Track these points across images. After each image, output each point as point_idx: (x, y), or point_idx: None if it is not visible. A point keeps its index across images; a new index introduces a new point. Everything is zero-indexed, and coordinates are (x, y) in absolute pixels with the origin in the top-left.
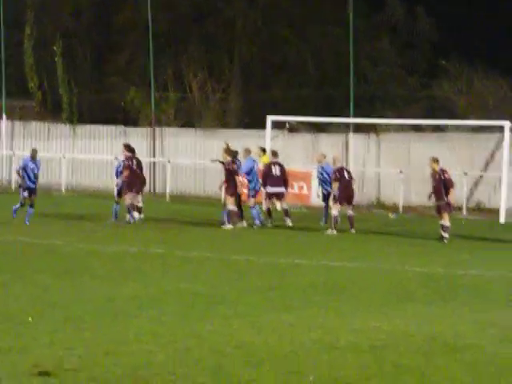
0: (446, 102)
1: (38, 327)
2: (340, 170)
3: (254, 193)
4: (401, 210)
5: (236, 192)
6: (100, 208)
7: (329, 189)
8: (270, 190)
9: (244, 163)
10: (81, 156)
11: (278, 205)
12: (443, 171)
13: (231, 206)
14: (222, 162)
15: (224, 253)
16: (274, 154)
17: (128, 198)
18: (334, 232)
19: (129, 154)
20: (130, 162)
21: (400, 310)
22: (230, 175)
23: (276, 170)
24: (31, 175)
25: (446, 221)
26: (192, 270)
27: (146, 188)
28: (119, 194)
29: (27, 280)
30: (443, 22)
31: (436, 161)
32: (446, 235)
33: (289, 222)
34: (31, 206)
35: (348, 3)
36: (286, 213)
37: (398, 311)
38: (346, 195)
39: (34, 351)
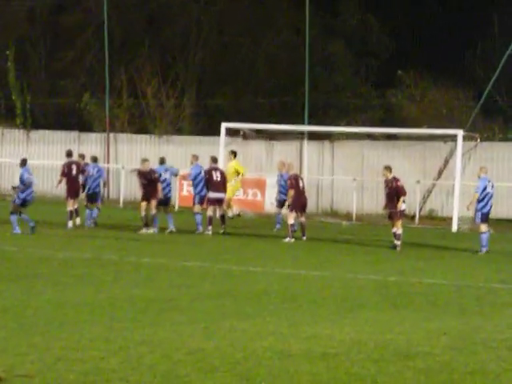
0: (400, 110)
1: None
2: (295, 178)
3: (200, 199)
4: (354, 217)
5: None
6: (52, 214)
7: (284, 196)
8: (212, 195)
9: (191, 169)
10: (35, 162)
11: (234, 208)
12: (396, 179)
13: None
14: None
15: (177, 259)
16: (215, 160)
17: (70, 205)
18: (292, 240)
19: (66, 160)
20: (66, 169)
21: (352, 318)
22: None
23: (217, 176)
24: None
25: (398, 228)
26: (145, 276)
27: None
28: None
29: None
30: (398, 31)
31: (389, 169)
32: (398, 243)
33: (222, 229)
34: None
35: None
36: (223, 219)
37: (350, 319)
38: (300, 203)
39: None
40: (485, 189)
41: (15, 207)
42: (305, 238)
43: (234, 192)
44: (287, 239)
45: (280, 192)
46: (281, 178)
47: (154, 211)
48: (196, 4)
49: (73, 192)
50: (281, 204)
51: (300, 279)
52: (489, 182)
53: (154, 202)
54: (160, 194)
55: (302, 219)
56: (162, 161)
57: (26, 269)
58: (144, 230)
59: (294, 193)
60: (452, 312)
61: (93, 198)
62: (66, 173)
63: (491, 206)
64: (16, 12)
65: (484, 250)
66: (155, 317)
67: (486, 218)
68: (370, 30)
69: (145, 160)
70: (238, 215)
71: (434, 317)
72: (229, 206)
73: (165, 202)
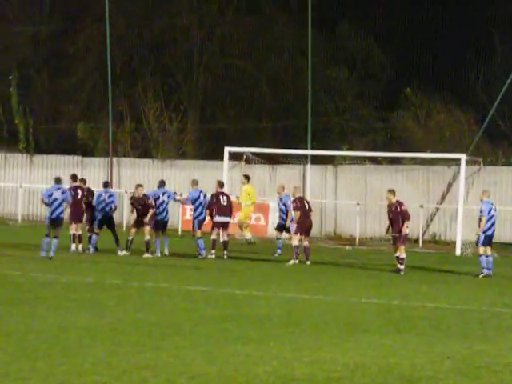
0: (403, 133)
1: None
2: (300, 200)
3: (198, 223)
4: (357, 242)
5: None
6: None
7: (284, 218)
8: (218, 219)
9: (190, 193)
10: (37, 186)
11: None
12: (400, 203)
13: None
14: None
15: (180, 283)
16: (221, 184)
17: (73, 229)
18: (296, 261)
19: (72, 185)
20: (73, 193)
21: (356, 342)
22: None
23: (224, 200)
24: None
25: (401, 253)
26: (148, 300)
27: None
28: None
29: None
30: (400, 54)
31: (393, 193)
32: (401, 267)
33: (225, 254)
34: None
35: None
36: (226, 245)
37: (353, 343)
38: (305, 226)
39: None
40: (489, 211)
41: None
42: (309, 262)
43: (247, 216)
44: (291, 261)
45: (280, 214)
46: (280, 202)
47: (147, 237)
48: (199, 28)
49: (76, 216)
50: (280, 228)
51: (303, 303)
52: (492, 205)
53: (147, 228)
54: (147, 220)
55: (306, 243)
56: (162, 183)
57: (29, 293)
58: (146, 255)
59: (300, 215)
60: (455, 336)
61: (104, 223)
62: (73, 197)
63: (494, 230)
64: (19, 37)
65: (485, 271)
66: (158, 341)
67: (489, 241)
68: (371, 52)
69: (139, 186)
70: (252, 242)
71: (437, 341)
72: (246, 227)
73: (163, 226)
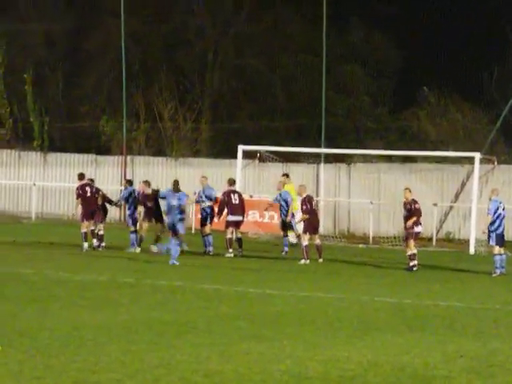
0: (417, 132)
1: (7, 355)
2: (309, 199)
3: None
4: (371, 240)
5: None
6: (69, 236)
7: (285, 214)
8: (231, 218)
9: (207, 190)
10: (51, 184)
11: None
12: (414, 201)
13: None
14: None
15: (194, 281)
16: (232, 182)
17: (85, 226)
18: (308, 261)
19: (80, 183)
20: (81, 191)
21: (369, 341)
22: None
23: (235, 199)
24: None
25: (411, 249)
26: (161, 298)
27: (116, 216)
28: (135, 222)
29: None
30: (414, 53)
31: (409, 190)
32: (414, 263)
33: (239, 252)
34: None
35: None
36: (240, 243)
37: (366, 341)
38: (312, 225)
39: (4, 380)
40: (496, 210)
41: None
42: (321, 260)
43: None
44: (302, 261)
45: (282, 213)
46: (280, 198)
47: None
48: (213, 27)
49: (88, 214)
50: (283, 226)
51: (316, 302)
52: (500, 203)
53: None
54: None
55: (317, 241)
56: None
57: (42, 291)
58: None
59: (307, 215)
60: (469, 335)
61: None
62: (82, 195)
63: (504, 228)
64: (34, 35)
65: (498, 271)
66: (172, 339)
67: (501, 240)
68: (385, 51)
69: (146, 182)
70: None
71: (450, 339)
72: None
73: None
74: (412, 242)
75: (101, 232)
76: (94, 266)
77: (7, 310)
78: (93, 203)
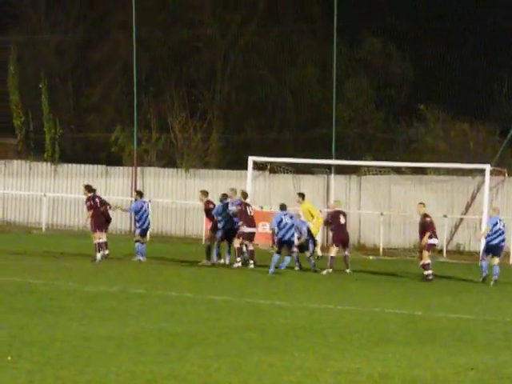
0: (427, 144)
1: (17, 366)
2: (337, 214)
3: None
4: (381, 252)
5: None
6: (79, 247)
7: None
8: (247, 229)
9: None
10: (62, 195)
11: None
12: (425, 216)
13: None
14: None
15: (204, 293)
16: (245, 195)
17: (97, 237)
18: (330, 270)
19: (90, 194)
20: (92, 202)
21: (379, 353)
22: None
23: (250, 211)
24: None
25: (425, 259)
26: (171, 310)
27: (126, 227)
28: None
29: (3, 319)
30: (422, 65)
31: (423, 205)
32: (428, 272)
33: (252, 265)
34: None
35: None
36: (252, 255)
37: (377, 353)
38: (339, 238)
39: None
40: (495, 224)
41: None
42: (348, 270)
43: (316, 233)
44: (325, 271)
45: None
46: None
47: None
48: (223, 38)
49: (100, 224)
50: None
51: (327, 313)
52: (500, 220)
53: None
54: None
55: (346, 253)
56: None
57: (53, 301)
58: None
59: (333, 228)
60: (479, 347)
61: (146, 233)
62: (93, 206)
63: (500, 241)
64: (45, 46)
65: (483, 275)
66: (182, 351)
67: (492, 251)
68: (393, 64)
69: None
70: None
71: (460, 352)
72: (316, 245)
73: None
74: (426, 253)
75: (102, 240)
76: (105, 276)
77: (17, 320)
78: (103, 214)
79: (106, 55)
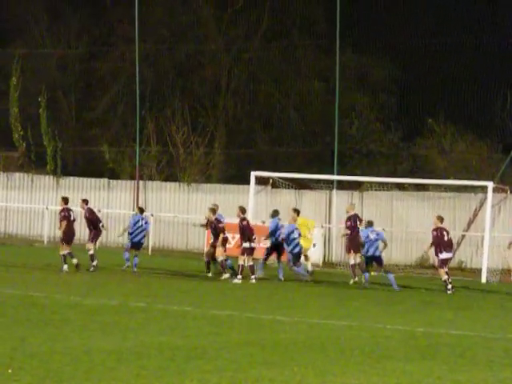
0: (429, 160)
1: (17, 379)
2: (354, 218)
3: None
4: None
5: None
6: (81, 260)
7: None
8: (246, 245)
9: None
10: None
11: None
12: (433, 230)
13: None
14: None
15: (205, 307)
16: (243, 210)
17: (64, 249)
18: (356, 279)
19: (65, 206)
20: (66, 213)
21: (380, 369)
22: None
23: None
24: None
25: (442, 276)
26: (172, 323)
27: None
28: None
29: (4, 331)
30: (425, 81)
31: (437, 218)
32: (448, 286)
33: (253, 280)
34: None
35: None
36: (252, 270)
37: (378, 369)
38: (354, 243)
39: None
40: None
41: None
42: (357, 279)
43: (308, 248)
44: (352, 281)
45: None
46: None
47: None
48: (226, 52)
49: (68, 238)
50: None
51: (328, 329)
52: None
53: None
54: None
55: (357, 259)
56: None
57: (53, 315)
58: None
59: (350, 234)
60: (480, 364)
61: (136, 247)
62: (67, 217)
63: None
64: (48, 59)
65: None
66: (182, 365)
67: None
68: (398, 79)
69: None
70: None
71: (461, 369)
72: (307, 259)
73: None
74: (441, 270)
75: (91, 252)
76: (105, 290)
77: (18, 333)
78: (73, 228)
79: (110, 69)
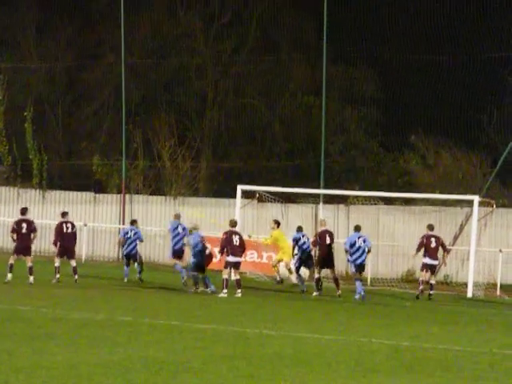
0: (416, 174)
1: None
2: (323, 233)
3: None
4: (369, 281)
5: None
6: (66, 275)
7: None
8: (231, 259)
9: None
10: (50, 221)
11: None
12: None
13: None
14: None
15: (191, 321)
16: (234, 223)
17: (12, 259)
18: (317, 293)
19: (19, 218)
20: (16, 226)
21: (365, 383)
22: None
23: (236, 240)
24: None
25: (419, 276)
26: (158, 337)
27: (115, 255)
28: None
29: None
30: (412, 97)
31: (427, 226)
32: (419, 287)
33: (239, 294)
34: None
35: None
36: (238, 284)
37: (363, 383)
38: (323, 258)
39: None
40: None
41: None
42: (339, 292)
43: (289, 261)
44: (314, 293)
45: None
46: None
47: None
48: (213, 66)
49: (20, 249)
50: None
51: (314, 343)
52: None
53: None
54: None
55: (333, 275)
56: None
57: (39, 329)
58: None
59: (318, 249)
60: (466, 378)
61: (130, 258)
62: (16, 229)
63: None
64: (34, 73)
65: None
66: (168, 379)
67: None
68: (384, 94)
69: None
70: (282, 282)
71: (447, 383)
72: (291, 272)
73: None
74: (421, 272)
75: (57, 264)
76: (92, 303)
77: (4, 347)
78: (27, 239)
79: (96, 82)
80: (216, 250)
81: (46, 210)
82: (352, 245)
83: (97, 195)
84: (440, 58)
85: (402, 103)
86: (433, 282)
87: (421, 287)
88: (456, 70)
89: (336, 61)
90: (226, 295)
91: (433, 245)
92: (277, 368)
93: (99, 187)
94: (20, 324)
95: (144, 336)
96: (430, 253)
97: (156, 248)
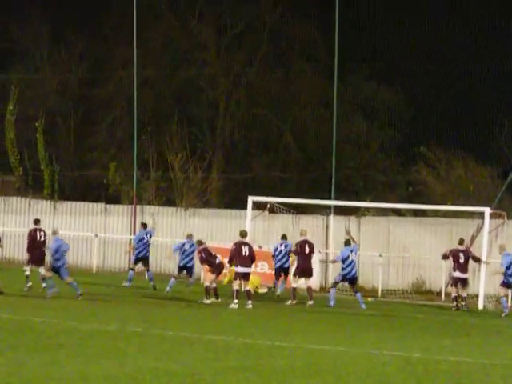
0: (427, 186)
1: None
2: (302, 243)
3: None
4: (380, 293)
5: None
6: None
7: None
8: (240, 269)
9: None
10: (61, 232)
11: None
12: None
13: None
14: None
15: (201, 332)
16: (244, 234)
17: (29, 269)
18: (294, 302)
19: (34, 227)
20: (34, 234)
21: None
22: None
23: (245, 251)
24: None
25: (452, 292)
26: (168, 349)
27: (125, 266)
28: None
29: (1, 356)
30: (423, 107)
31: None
32: (453, 303)
33: (249, 305)
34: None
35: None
36: (249, 295)
37: None
38: (302, 268)
39: None
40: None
41: None
42: (311, 302)
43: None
44: (289, 302)
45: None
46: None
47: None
48: (225, 77)
49: (36, 258)
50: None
51: (325, 355)
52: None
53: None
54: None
55: (309, 284)
56: (145, 226)
57: (50, 340)
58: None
59: (298, 258)
60: None
61: (146, 262)
62: (33, 238)
63: None
64: (47, 84)
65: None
66: None
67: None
68: (393, 105)
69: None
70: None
71: None
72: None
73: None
74: (452, 288)
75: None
76: (103, 314)
77: (15, 358)
78: (42, 249)
79: (109, 94)
80: (226, 261)
81: (58, 220)
82: (344, 259)
83: (108, 206)
84: (451, 70)
85: (414, 114)
86: (464, 295)
87: (455, 303)
88: (468, 82)
89: (348, 73)
90: (236, 306)
91: (461, 260)
92: (288, 380)
93: (111, 198)
94: (31, 335)
95: (154, 347)
96: (460, 267)
97: (166, 259)
